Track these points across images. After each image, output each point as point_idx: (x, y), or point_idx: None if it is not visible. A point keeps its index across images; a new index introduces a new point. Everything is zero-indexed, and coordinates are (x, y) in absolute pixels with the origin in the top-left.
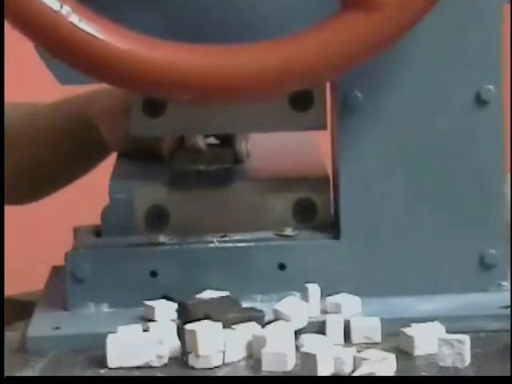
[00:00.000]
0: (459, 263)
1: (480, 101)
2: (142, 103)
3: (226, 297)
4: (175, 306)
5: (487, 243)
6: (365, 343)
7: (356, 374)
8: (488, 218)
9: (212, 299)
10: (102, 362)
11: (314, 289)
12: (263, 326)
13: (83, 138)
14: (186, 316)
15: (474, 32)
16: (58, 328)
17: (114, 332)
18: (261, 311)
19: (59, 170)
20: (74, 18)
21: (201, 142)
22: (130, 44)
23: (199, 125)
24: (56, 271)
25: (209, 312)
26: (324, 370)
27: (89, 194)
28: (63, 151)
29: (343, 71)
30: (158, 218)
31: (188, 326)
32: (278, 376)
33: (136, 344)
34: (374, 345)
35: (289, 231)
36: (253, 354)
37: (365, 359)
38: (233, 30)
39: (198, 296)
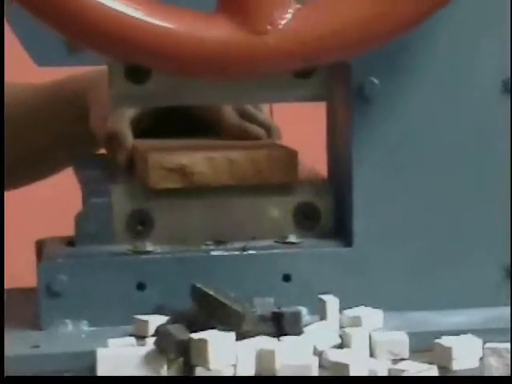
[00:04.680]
0: (484, 275)
1: (507, 89)
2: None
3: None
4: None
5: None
6: (391, 359)
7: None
8: None
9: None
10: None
11: (331, 300)
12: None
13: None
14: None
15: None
16: (37, 346)
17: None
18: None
19: (52, 156)
20: None
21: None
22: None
23: (187, 94)
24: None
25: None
26: None
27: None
28: (60, 137)
29: None
30: (141, 225)
31: (196, 335)
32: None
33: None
34: (401, 361)
35: (292, 238)
36: (266, 369)
37: (403, 371)
38: None
39: None
